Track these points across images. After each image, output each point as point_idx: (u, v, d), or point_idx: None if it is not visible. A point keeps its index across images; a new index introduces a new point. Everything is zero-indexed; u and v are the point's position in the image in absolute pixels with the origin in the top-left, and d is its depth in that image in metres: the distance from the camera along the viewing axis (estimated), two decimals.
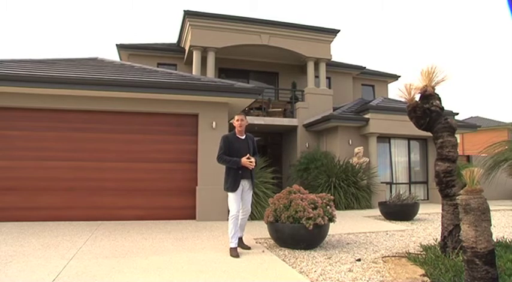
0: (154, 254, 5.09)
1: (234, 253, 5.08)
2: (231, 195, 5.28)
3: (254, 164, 5.30)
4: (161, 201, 8.43)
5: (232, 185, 5.25)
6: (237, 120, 5.47)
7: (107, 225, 7.49)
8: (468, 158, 16.02)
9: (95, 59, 10.62)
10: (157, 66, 14.54)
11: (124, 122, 8.51)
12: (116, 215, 8.12)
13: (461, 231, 3.57)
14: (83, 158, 8.21)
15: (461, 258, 4.12)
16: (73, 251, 5.17)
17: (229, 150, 5.34)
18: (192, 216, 8.44)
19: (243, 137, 5.53)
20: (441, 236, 4.94)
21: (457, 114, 14.18)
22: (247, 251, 5.37)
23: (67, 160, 8.15)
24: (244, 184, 5.37)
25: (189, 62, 15.04)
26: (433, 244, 5.34)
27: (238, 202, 5.28)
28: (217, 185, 8.45)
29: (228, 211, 5.34)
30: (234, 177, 5.26)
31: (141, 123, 8.59)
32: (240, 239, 5.56)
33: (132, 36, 77.18)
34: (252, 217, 8.45)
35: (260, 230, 7.02)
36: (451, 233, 4.78)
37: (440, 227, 5.03)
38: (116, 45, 15.33)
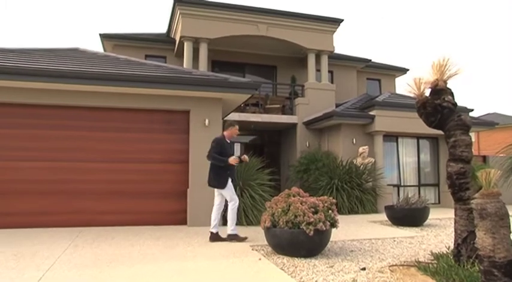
0: (141, 263, 5.06)
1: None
2: (226, 190, 6.72)
3: (238, 160, 6.80)
4: (149, 205, 8.40)
5: (224, 181, 6.72)
6: (237, 129, 7.09)
7: (89, 231, 7.43)
8: (484, 159, 16.00)
9: (75, 50, 10.51)
10: (145, 59, 14.48)
11: (108, 119, 8.45)
12: (99, 221, 8.05)
13: (476, 239, 3.52)
14: (62, 158, 8.13)
15: (477, 268, 4.08)
16: (50, 261, 5.09)
17: (221, 151, 6.77)
18: (183, 221, 8.42)
19: (229, 142, 7.09)
20: (454, 244, 4.90)
21: (472, 110, 14.11)
22: (243, 258, 5.35)
23: (44, 160, 8.05)
24: (230, 181, 6.83)
25: (180, 54, 14.99)
26: (445, 252, 5.29)
27: (234, 192, 6.84)
28: (211, 187, 8.42)
29: (223, 215, 7.20)
30: (225, 176, 6.72)
31: (127, 120, 8.55)
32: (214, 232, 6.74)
33: (118, 25, 76.86)
34: (248, 222, 8.49)
35: (256, 236, 7.00)
36: (465, 240, 4.73)
37: (454, 233, 4.99)
38: (100, 34, 15.24)
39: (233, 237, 6.65)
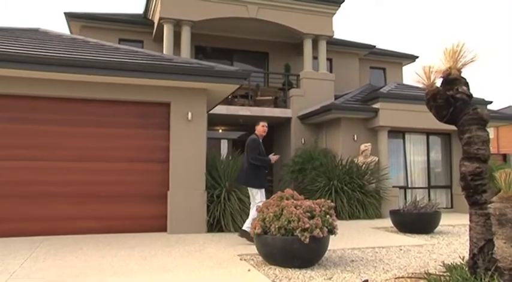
0: (114, 276, 5.01)
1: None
2: (260, 190, 7.47)
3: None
4: (124, 210, 8.35)
5: (264, 182, 7.63)
6: (263, 126, 7.86)
7: (53, 241, 7.30)
8: (504, 157, 16.05)
9: (35, 31, 10.29)
10: (119, 43, 14.31)
11: (76, 112, 8.33)
12: (65, 228, 7.92)
13: (495, 248, 3.49)
14: (20, 157, 7.96)
15: (496, 281, 4.04)
16: (3, 277, 4.97)
17: (259, 151, 7.62)
18: (163, 228, 8.40)
19: (261, 141, 7.91)
20: (469, 254, 4.87)
21: (490, 102, 14.11)
22: (230, 269, 5.33)
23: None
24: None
25: (159, 39, 14.88)
26: (459, 263, 5.26)
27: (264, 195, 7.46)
28: (194, 189, 8.42)
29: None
30: (263, 176, 7.65)
31: (98, 113, 8.45)
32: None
33: (86, 4, 75.81)
34: (236, 228, 8.50)
35: (245, 244, 7.05)
36: (482, 249, 4.69)
37: (469, 242, 4.97)
38: (65, 13, 15.00)
39: (244, 234, 7.26)
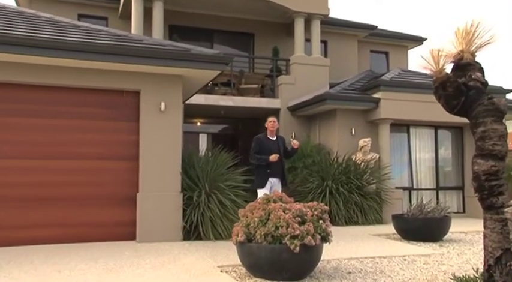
0: None
1: None
2: (262, 191, 7.88)
3: (277, 157, 8.15)
4: (85, 215, 8.32)
5: (260, 182, 8.16)
6: (270, 122, 8.45)
7: None
8: None
9: None
10: (78, 19, 14.22)
11: (28, 101, 8.24)
12: (14, 238, 7.75)
13: None
14: None
15: None
16: None
17: (261, 149, 8.24)
18: (131, 236, 8.43)
19: (274, 138, 8.47)
20: (484, 265, 4.88)
21: (510, 91, 14.08)
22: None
23: None
24: (273, 181, 8.23)
25: (127, 16, 14.83)
26: (472, 276, 5.32)
27: None
28: (168, 191, 8.39)
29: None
30: (263, 175, 8.16)
31: (55, 102, 8.40)
32: None
33: None
34: (216, 235, 8.61)
35: (227, 254, 7.09)
36: (498, 260, 4.71)
37: (483, 251, 4.98)
38: None
39: None
